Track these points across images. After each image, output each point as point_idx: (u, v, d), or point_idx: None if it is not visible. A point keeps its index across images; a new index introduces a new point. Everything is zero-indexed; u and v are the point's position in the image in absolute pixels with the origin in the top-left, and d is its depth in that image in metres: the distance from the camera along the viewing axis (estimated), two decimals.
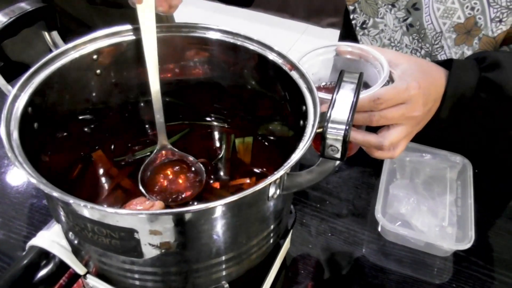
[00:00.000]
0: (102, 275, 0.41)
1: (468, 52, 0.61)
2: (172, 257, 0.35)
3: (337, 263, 0.59)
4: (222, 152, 0.55)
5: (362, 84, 0.35)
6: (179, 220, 0.31)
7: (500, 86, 0.50)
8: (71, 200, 0.30)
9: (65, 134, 0.46)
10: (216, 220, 0.33)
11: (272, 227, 0.41)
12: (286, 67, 0.45)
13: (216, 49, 0.48)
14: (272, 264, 0.49)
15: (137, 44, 0.48)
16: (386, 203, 0.63)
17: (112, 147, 0.53)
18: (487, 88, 0.51)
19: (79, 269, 0.41)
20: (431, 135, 0.68)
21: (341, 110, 0.32)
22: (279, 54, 0.45)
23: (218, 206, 0.31)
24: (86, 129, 0.49)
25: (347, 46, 0.51)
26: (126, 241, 0.33)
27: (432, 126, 0.52)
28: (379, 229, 0.62)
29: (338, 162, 0.33)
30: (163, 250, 0.34)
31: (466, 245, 0.56)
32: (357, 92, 0.33)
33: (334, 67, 0.52)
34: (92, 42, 0.46)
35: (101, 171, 0.51)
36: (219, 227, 0.34)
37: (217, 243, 0.36)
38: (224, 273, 0.40)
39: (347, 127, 0.31)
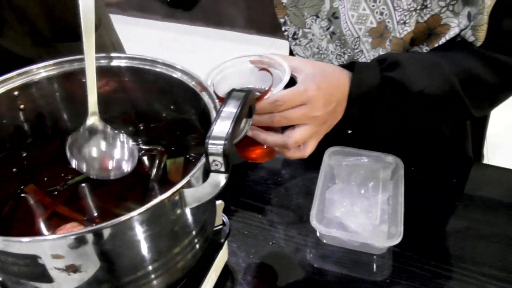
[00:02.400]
0: None
1: None
2: (83, 278, 0.37)
3: (279, 270, 0.61)
4: (153, 173, 0.57)
5: (248, 100, 0.38)
6: (73, 244, 0.33)
7: (401, 83, 0.54)
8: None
9: None
10: (115, 239, 0.35)
11: (191, 237, 0.43)
12: (197, 89, 0.48)
13: (127, 77, 0.50)
14: (205, 275, 0.51)
15: (64, 78, 0.50)
16: (323, 208, 0.66)
17: (45, 179, 0.55)
18: (390, 86, 0.54)
19: None
20: (366, 139, 0.72)
21: (222, 126, 0.35)
22: (187, 74, 0.48)
23: (106, 228, 0.33)
24: (14, 167, 0.51)
25: (257, 56, 0.54)
26: (32, 268, 0.35)
27: (346, 125, 0.55)
28: (318, 233, 0.64)
29: (225, 175, 0.35)
30: (70, 273, 0.36)
31: (395, 240, 0.58)
32: (239, 109, 0.36)
33: (250, 75, 0.56)
34: (15, 78, 0.48)
35: (34, 203, 0.53)
36: (121, 245, 0.36)
37: (125, 259, 0.38)
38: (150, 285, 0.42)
39: (226, 142, 0.34)
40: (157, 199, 0.35)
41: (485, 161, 0.84)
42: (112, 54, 0.49)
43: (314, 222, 0.61)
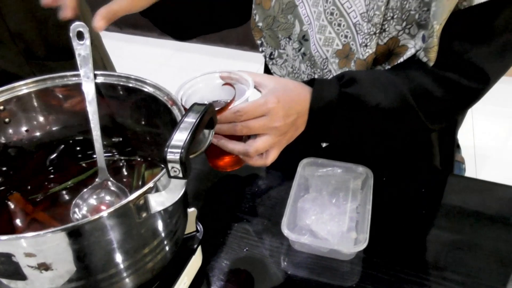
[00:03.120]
0: None
1: None
2: (55, 276, 0.40)
3: (252, 276, 0.64)
4: (133, 183, 0.60)
5: (207, 113, 0.42)
6: (42, 242, 0.36)
7: (358, 97, 0.58)
8: None
9: None
10: (82, 239, 0.38)
11: (159, 240, 0.47)
12: (168, 103, 0.52)
13: (104, 92, 0.54)
14: (176, 279, 0.54)
15: (46, 93, 0.54)
16: (295, 217, 0.69)
17: (29, 187, 0.58)
18: (347, 100, 0.58)
19: None
20: (340, 151, 0.76)
21: (180, 136, 0.38)
22: (159, 89, 0.52)
23: (73, 228, 0.37)
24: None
25: (226, 72, 0.59)
26: (7, 265, 0.38)
27: (314, 137, 0.59)
28: (290, 241, 0.67)
29: (184, 180, 0.39)
30: (42, 271, 0.39)
31: (361, 246, 0.61)
32: (197, 121, 0.40)
33: (220, 89, 0.60)
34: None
35: (17, 210, 0.56)
36: (89, 245, 0.39)
37: (94, 258, 0.41)
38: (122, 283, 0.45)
39: (183, 150, 0.37)
40: (122, 202, 0.39)
41: (474, 172, 0.87)
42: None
43: (285, 230, 0.64)
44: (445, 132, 0.78)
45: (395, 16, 0.61)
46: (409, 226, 0.70)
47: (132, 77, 0.54)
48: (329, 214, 0.68)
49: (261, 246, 0.67)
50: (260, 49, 0.78)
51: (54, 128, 0.57)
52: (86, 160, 0.61)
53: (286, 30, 0.73)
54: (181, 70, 2.71)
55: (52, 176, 0.59)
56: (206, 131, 0.46)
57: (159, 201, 0.41)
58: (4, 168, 0.56)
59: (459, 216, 0.71)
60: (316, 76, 0.73)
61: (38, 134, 0.57)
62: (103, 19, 0.50)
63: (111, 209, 0.38)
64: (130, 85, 0.54)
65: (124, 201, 0.39)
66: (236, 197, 0.75)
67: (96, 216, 0.37)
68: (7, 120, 0.54)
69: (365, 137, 0.66)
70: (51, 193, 0.58)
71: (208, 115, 0.42)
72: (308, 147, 0.78)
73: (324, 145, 0.79)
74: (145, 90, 0.52)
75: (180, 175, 0.38)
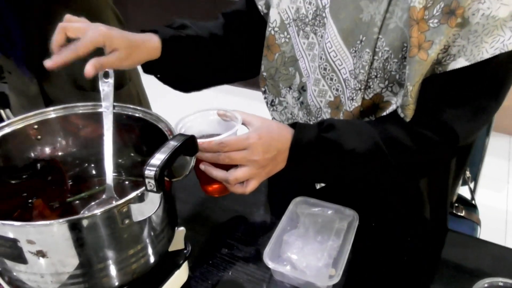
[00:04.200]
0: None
1: None
2: (49, 263, 0.49)
3: None
4: None
5: (186, 141, 0.51)
6: (40, 232, 0.46)
7: (335, 142, 0.65)
8: None
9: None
10: (73, 234, 0.47)
11: (142, 245, 0.55)
12: (167, 133, 0.61)
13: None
14: (159, 286, 0.61)
15: (73, 118, 0.66)
16: (280, 248, 0.75)
17: (48, 195, 0.69)
18: (325, 144, 0.65)
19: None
20: (334, 193, 0.82)
21: (159, 157, 0.47)
22: (161, 121, 0.62)
23: (62, 223, 0.46)
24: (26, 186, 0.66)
25: (221, 110, 0.68)
26: (13, 249, 0.48)
27: (289, 173, 0.66)
28: (271, 270, 0.73)
29: (159, 194, 0.48)
30: (40, 257, 0.48)
31: (333, 281, 0.66)
32: (176, 146, 0.49)
33: (216, 124, 0.70)
34: (35, 116, 0.65)
35: (37, 213, 0.67)
36: (78, 240, 0.48)
37: (84, 252, 0.49)
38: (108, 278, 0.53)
39: (158, 169, 0.46)
40: (108, 207, 0.47)
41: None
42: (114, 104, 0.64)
43: (266, 258, 0.70)
44: (435, 183, 0.82)
45: (378, 75, 0.68)
46: (385, 269, 0.73)
47: (139, 108, 0.65)
48: (311, 249, 0.73)
49: (246, 272, 0.73)
50: (263, 96, 0.87)
51: (74, 149, 0.68)
52: (99, 177, 0.71)
53: (287, 80, 0.82)
54: (196, 104, 2.90)
55: (68, 188, 0.70)
56: (188, 158, 0.54)
57: (140, 211, 0.50)
58: (30, 178, 0.67)
59: (439, 267, 0.73)
60: (311, 123, 0.81)
61: (61, 153, 0.68)
62: (92, 67, 0.59)
63: (98, 211, 0.47)
64: (137, 114, 0.65)
65: (109, 206, 0.48)
66: (229, 224, 0.82)
67: (86, 215, 0.46)
68: (39, 137, 0.66)
69: (341, 179, 0.72)
70: (66, 202, 0.68)
71: (187, 143, 0.51)
72: (303, 187, 0.84)
73: (318, 186, 0.85)
74: (149, 120, 0.63)
75: (155, 189, 0.47)
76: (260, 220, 0.84)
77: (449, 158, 0.70)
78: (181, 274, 0.66)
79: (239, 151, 0.62)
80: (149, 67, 0.75)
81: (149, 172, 0.46)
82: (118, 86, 1.11)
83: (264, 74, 0.84)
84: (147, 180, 0.46)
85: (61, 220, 0.46)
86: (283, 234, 0.76)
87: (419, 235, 0.80)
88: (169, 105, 2.01)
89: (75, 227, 0.47)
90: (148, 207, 0.49)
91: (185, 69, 0.82)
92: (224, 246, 0.77)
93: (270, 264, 0.69)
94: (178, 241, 0.67)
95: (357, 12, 0.68)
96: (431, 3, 0.60)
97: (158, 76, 0.79)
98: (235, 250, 0.77)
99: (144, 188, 0.49)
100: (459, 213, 1.29)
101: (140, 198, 0.50)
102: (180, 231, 0.66)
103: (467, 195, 1.30)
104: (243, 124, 0.66)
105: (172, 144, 0.49)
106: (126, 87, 1.16)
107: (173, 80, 0.83)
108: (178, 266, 0.65)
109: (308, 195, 0.82)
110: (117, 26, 0.86)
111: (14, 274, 0.52)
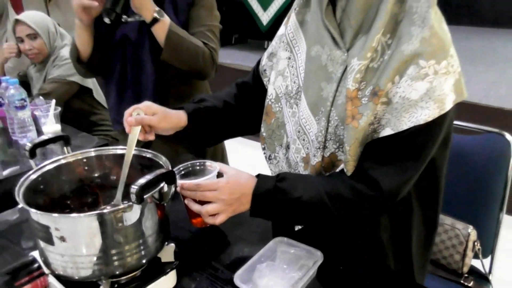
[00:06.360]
0: (57, 276, 0.79)
1: None
2: (67, 247, 0.73)
3: None
4: None
5: (165, 174, 0.74)
6: (57, 222, 0.70)
7: (285, 190, 0.83)
8: (32, 210, 0.72)
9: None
10: (79, 227, 0.71)
11: (133, 246, 0.76)
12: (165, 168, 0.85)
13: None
14: (146, 284, 0.82)
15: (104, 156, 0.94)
16: (252, 275, 0.91)
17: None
18: (278, 192, 0.83)
19: (46, 269, 0.81)
20: (309, 236, 0.97)
21: (141, 181, 0.70)
22: (165, 163, 0.86)
23: (75, 218, 0.70)
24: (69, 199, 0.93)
25: (208, 162, 0.90)
26: (46, 234, 0.73)
27: (253, 213, 0.85)
28: None
29: (139, 205, 0.70)
30: (62, 242, 0.72)
31: None
32: (156, 175, 0.72)
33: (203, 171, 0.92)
34: (84, 153, 0.93)
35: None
36: (85, 235, 0.72)
37: (90, 244, 0.73)
38: (106, 266, 0.75)
39: (138, 187, 0.69)
40: (105, 210, 0.71)
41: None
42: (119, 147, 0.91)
43: (237, 280, 0.87)
44: (397, 235, 0.94)
45: (332, 138, 0.87)
46: None
47: (149, 151, 0.90)
48: (275, 277, 0.89)
49: None
50: (263, 152, 1.09)
51: (105, 178, 0.95)
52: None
53: (279, 140, 1.03)
54: None
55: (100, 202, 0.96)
56: (168, 187, 0.77)
57: (128, 218, 0.73)
58: (76, 194, 0.95)
59: None
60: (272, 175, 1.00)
61: (104, 179, 0.96)
62: (135, 121, 0.89)
63: (97, 211, 0.71)
64: (147, 155, 0.90)
65: (107, 210, 0.71)
66: (216, 249, 1.01)
67: (89, 213, 0.70)
68: (86, 168, 0.94)
69: (294, 220, 0.89)
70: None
71: (167, 174, 0.74)
72: (285, 229, 1.02)
73: (296, 228, 1.01)
74: (156, 160, 0.88)
75: (136, 202, 0.70)
76: (242, 250, 1.01)
77: (380, 209, 0.84)
78: (168, 280, 0.86)
79: (210, 191, 0.83)
80: (179, 137, 1.03)
81: (133, 189, 0.69)
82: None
83: (264, 134, 1.07)
84: (131, 195, 0.70)
85: (73, 215, 0.70)
86: (257, 263, 0.93)
87: (380, 282, 0.92)
88: None
89: (83, 223, 0.72)
90: (133, 215, 0.72)
91: (206, 131, 1.08)
92: (208, 266, 0.96)
93: (238, 283, 0.86)
94: (168, 255, 0.88)
95: (319, 91, 0.89)
96: (363, 86, 0.79)
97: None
98: (218, 271, 0.95)
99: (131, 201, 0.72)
100: (466, 283, 1.34)
101: (129, 208, 0.73)
102: (170, 246, 0.87)
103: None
104: (219, 172, 0.88)
105: (155, 173, 0.73)
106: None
107: (197, 140, 1.09)
108: (165, 273, 0.85)
109: (289, 236, 0.98)
110: None
111: (46, 254, 0.76)
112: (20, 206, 0.76)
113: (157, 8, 1.30)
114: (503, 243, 1.42)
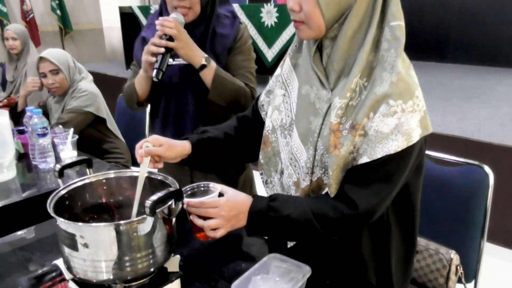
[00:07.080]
0: (76, 282, 0.91)
1: None
2: (89, 252, 0.85)
3: None
4: None
5: (174, 192, 0.87)
6: (82, 230, 0.83)
7: (276, 208, 0.96)
8: (59, 219, 0.85)
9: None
10: (105, 236, 0.84)
11: (144, 254, 0.89)
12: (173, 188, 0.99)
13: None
14: None
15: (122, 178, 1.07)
16: (248, 284, 1.03)
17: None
18: (270, 210, 0.96)
19: (67, 275, 0.93)
20: (301, 252, 1.09)
21: (154, 197, 0.84)
22: (172, 183, 1.00)
23: (97, 227, 0.83)
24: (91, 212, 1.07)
25: (211, 183, 1.04)
26: (71, 241, 0.85)
27: (249, 230, 0.98)
28: None
29: (152, 218, 0.83)
30: (85, 248, 0.85)
31: None
32: (166, 193, 0.85)
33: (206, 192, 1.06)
34: (104, 174, 1.07)
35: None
36: (105, 242, 0.84)
37: (108, 250, 0.85)
38: (120, 271, 0.88)
39: (151, 202, 0.82)
40: (123, 222, 0.84)
41: None
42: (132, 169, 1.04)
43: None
44: (378, 251, 1.05)
45: (318, 165, 1.00)
46: None
47: (160, 173, 1.04)
48: (269, 287, 1.00)
49: None
50: (260, 177, 1.22)
51: (120, 197, 1.09)
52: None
53: (275, 166, 1.17)
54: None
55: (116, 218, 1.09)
56: (176, 204, 0.90)
57: (142, 229, 0.86)
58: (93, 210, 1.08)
59: None
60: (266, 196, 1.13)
61: (119, 198, 1.09)
62: (144, 152, 1.03)
63: (118, 222, 0.84)
64: (158, 177, 1.04)
65: (125, 221, 0.84)
66: (216, 263, 1.12)
67: (109, 223, 0.83)
68: (105, 187, 1.08)
69: (284, 236, 1.01)
70: None
71: (175, 192, 0.88)
72: (278, 246, 1.14)
73: (289, 245, 1.13)
74: (165, 181, 1.01)
75: (149, 214, 0.83)
76: (242, 265, 1.13)
77: (357, 225, 0.96)
78: (173, 287, 0.98)
79: (212, 208, 0.96)
80: (185, 162, 1.19)
81: (147, 203, 0.83)
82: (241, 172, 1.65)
83: (262, 161, 1.20)
84: (145, 208, 0.83)
85: (94, 225, 0.83)
86: (253, 275, 1.05)
87: None
88: None
89: (104, 231, 0.85)
90: (146, 226, 0.85)
91: (209, 159, 1.22)
92: (209, 278, 1.08)
93: None
94: (174, 266, 1.00)
95: (308, 124, 1.03)
96: (344, 121, 0.94)
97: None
98: (218, 282, 1.07)
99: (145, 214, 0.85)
100: None
101: (143, 220, 0.86)
102: (175, 257, 0.99)
103: None
104: (220, 192, 1.01)
105: (166, 191, 0.86)
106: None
107: (201, 166, 1.23)
108: (171, 281, 0.97)
109: (282, 252, 1.10)
110: None
111: (70, 259, 0.89)
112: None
113: (205, 55, 1.45)
114: (486, 269, 1.51)
